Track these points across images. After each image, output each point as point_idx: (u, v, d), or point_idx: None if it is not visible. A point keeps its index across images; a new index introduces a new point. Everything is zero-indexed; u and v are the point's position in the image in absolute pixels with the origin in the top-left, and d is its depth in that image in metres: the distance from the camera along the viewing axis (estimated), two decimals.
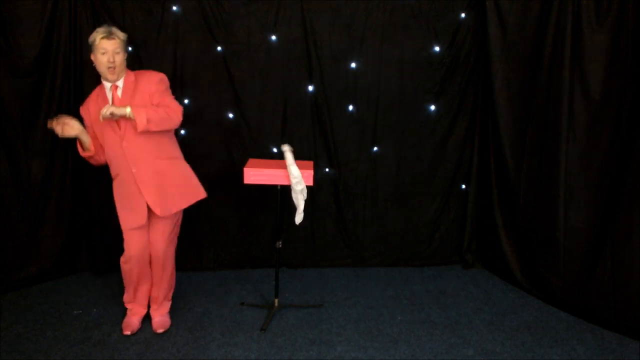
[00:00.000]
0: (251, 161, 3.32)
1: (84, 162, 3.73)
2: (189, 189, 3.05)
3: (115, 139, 2.86)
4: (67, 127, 2.84)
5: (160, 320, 3.10)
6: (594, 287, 3.17)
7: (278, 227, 3.38)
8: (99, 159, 3.01)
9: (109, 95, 2.89)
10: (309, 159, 3.84)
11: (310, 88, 3.83)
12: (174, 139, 3.06)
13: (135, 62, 3.68)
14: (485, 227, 4.01)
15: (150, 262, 3.05)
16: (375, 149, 3.96)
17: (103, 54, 2.78)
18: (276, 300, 3.34)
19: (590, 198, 3.20)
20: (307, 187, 3.11)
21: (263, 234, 3.97)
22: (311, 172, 3.09)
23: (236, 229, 3.98)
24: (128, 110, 2.74)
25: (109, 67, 2.79)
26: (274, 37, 3.73)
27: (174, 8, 3.61)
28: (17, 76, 3.43)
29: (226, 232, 3.98)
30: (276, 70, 3.78)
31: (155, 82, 2.91)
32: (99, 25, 3.58)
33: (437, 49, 3.83)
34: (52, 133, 3.57)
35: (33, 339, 2.94)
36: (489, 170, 3.89)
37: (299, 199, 3.10)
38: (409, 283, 3.81)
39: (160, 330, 3.03)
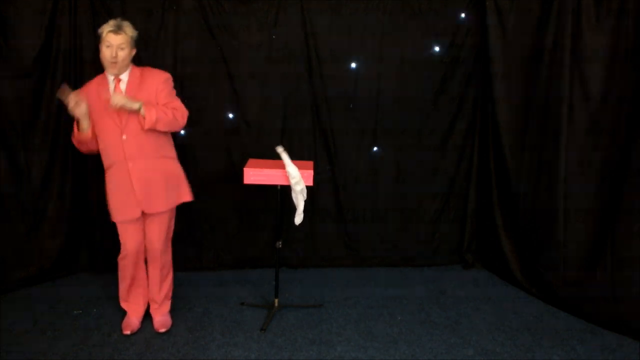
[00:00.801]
0: (251, 161, 3.32)
1: (84, 162, 3.76)
2: (176, 191, 3.01)
3: (115, 131, 2.83)
4: (77, 106, 2.77)
5: (162, 319, 3.10)
6: (594, 287, 3.16)
7: (278, 227, 3.38)
8: (91, 147, 2.96)
9: (111, 87, 2.86)
10: (309, 159, 3.84)
11: (310, 88, 3.83)
12: (171, 139, 3.05)
13: (135, 62, 3.68)
14: (485, 227, 4.01)
15: (146, 262, 3.06)
16: (375, 149, 3.96)
17: (107, 47, 2.77)
18: (276, 300, 3.34)
19: (590, 198, 3.19)
20: (307, 187, 3.11)
21: (263, 234, 3.97)
22: (311, 172, 3.09)
23: (236, 229, 3.98)
24: (138, 105, 2.74)
25: (111, 62, 2.77)
26: (274, 37, 3.73)
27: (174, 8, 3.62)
28: (17, 76, 3.43)
29: (226, 232, 3.98)
30: (276, 70, 3.78)
31: (162, 81, 2.90)
32: (99, 25, 3.59)
33: (437, 49, 3.83)
34: (52, 132, 3.61)
35: (33, 339, 2.94)
36: (489, 170, 3.89)
37: (299, 199, 3.10)
38: (409, 283, 3.81)
39: (162, 330, 3.03)
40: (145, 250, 3.04)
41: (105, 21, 3.56)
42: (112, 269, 3.85)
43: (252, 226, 3.98)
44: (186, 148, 3.83)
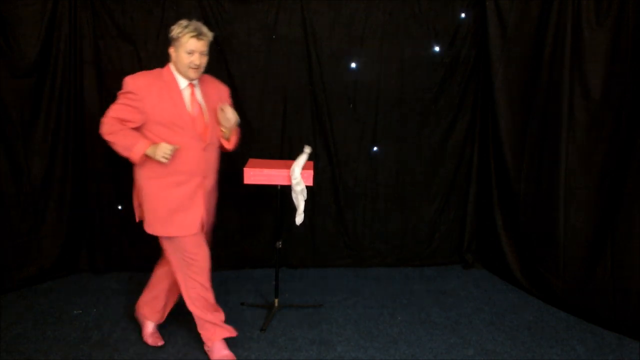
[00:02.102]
0: (251, 161, 3.32)
1: (84, 162, 3.76)
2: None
3: (193, 144, 2.55)
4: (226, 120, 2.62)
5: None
6: (594, 287, 3.16)
7: (278, 227, 3.38)
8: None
9: (186, 94, 2.58)
10: (309, 159, 3.83)
11: (311, 88, 3.83)
12: None
13: (135, 62, 3.69)
14: (485, 227, 4.01)
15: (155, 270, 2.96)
16: (375, 149, 3.96)
17: (189, 53, 2.52)
18: (276, 300, 3.34)
19: (590, 198, 3.20)
20: (307, 187, 3.11)
21: (263, 234, 3.97)
22: (311, 172, 3.09)
23: (236, 229, 3.98)
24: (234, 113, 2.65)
25: (193, 69, 2.54)
26: (274, 37, 3.73)
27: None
28: (17, 76, 3.43)
29: (226, 232, 3.97)
30: (276, 70, 3.78)
31: (227, 96, 2.79)
32: (99, 25, 3.62)
33: (437, 49, 3.83)
34: (52, 132, 3.61)
35: (33, 339, 2.94)
36: (489, 170, 3.89)
37: (299, 199, 3.10)
38: (409, 283, 3.81)
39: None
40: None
41: (105, 21, 3.60)
42: (112, 269, 3.88)
43: (252, 226, 3.97)
44: None
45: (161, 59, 3.66)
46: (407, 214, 4.08)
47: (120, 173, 3.82)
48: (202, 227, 2.68)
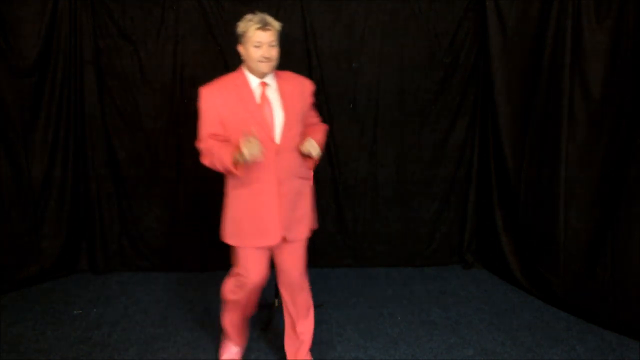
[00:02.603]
0: None
1: (84, 162, 3.76)
2: (312, 216, 2.63)
3: (265, 147, 2.31)
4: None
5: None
6: (594, 287, 3.16)
7: None
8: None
9: (257, 93, 2.39)
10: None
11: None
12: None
13: (135, 62, 3.69)
14: (485, 227, 4.01)
15: (284, 297, 2.63)
16: (375, 148, 3.96)
17: (257, 47, 2.34)
18: (276, 300, 3.34)
19: (590, 198, 3.19)
20: None
21: None
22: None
23: None
24: (317, 146, 2.38)
25: (263, 62, 2.35)
26: None
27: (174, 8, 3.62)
28: (17, 76, 3.43)
29: None
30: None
31: (311, 93, 2.53)
32: (99, 25, 3.63)
33: (437, 49, 3.83)
34: (52, 132, 3.61)
35: (33, 339, 2.94)
36: (489, 170, 3.89)
37: None
38: (409, 283, 3.81)
39: None
40: (281, 283, 2.61)
41: (105, 21, 3.60)
42: (112, 269, 3.88)
43: None
44: (186, 148, 3.84)
45: (161, 59, 3.70)
46: (407, 214, 4.08)
47: (120, 173, 3.83)
48: (277, 238, 2.44)
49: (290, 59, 3.75)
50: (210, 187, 3.88)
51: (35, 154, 3.55)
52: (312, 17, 3.72)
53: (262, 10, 3.64)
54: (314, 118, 2.63)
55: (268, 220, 2.42)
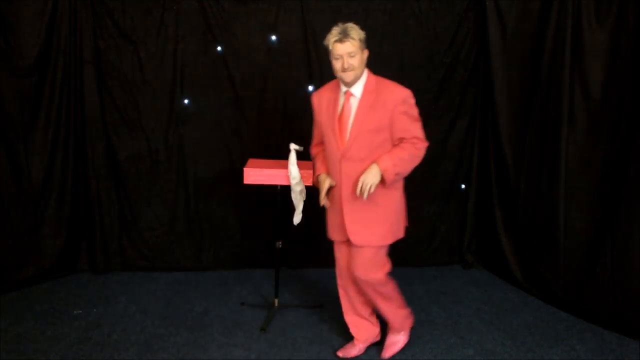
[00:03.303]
0: (251, 161, 3.32)
1: (84, 162, 3.77)
2: (394, 226, 2.69)
3: (336, 153, 2.57)
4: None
5: (387, 341, 2.89)
6: (594, 287, 3.16)
7: (278, 227, 3.37)
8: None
9: (340, 101, 2.56)
10: (308, 159, 3.84)
11: (310, 88, 3.83)
12: None
13: (135, 62, 3.69)
14: (485, 227, 4.01)
15: (348, 289, 2.84)
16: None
17: (337, 59, 2.46)
18: (276, 301, 3.34)
19: (590, 198, 3.19)
20: (307, 187, 3.11)
21: (263, 234, 3.97)
22: (311, 172, 3.09)
23: (236, 229, 3.98)
24: (379, 174, 2.46)
25: (344, 73, 2.47)
26: (274, 37, 3.73)
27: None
28: (17, 76, 3.43)
29: (226, 232, 3.97)
30: (276, 70, 3.78)
31: (399, 101, 2.50)
32: (99, 25, 3.63)
33: (437, 49, 3.83)
34: (52, 132, 3.61)
35: (33, 339, 2.94)
36: (489, 170, 3.89)
37: (298, 199, 3.10)
38: (409, 283, 3.81)
39: (385, 355, 2.84)
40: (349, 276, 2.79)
41: (105, 21, 3.60)
42: (112, 268, 3.88)
43: (252, 226, 3.97)
44: (186, 148, 3.84)
45: (161, 59, 3.70)
46: (407, 214, 4.07)
47: (120, 173, 3.83)
48: (343, 237, 2.66)
49: (290, 59, 3.78)
50: (209, 188, 3.90)
51: (35, 154, 3.55)
52: (312, 17, 3.72)
53: (262, 10, 3.69)
54: (405, 132, 2.53)
55: (336, 219, 2.67)
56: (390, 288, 2.75)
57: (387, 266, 2.72)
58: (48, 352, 2.81)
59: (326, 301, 3.50)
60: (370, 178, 2.46)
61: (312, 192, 3.66)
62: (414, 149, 2.54)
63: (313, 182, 2.82)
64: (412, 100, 2.54)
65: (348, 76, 2.48)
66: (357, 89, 2.54)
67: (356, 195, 2.52)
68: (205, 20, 3.67)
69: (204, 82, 3.76)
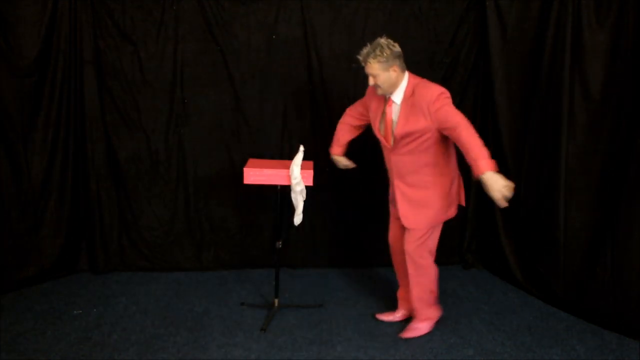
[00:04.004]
0: (251, 161, 3.32)
1: (84, 162, 3.77)
2: (442, 209, 2.93)
3: (385, 147, 2.93)
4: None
5: (410, 325, 3.09)
6: (594, 287, 3.16)
7: (278, 227, 3.38)
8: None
9: (384, 106, 2.88)
10: (309, 159, 3.83)
11: (311, 88, 3.83)
12: (449, 151, 2.87)
13: (135, 62, 3.69)
14: (485, 227, 4.01)
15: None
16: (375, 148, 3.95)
17: (369, 77, 2.79)
18: (276, 300, 3.34)
19: (590, 198, 3.19)
20: (307, 187, 3.11)
21: (263, 234, 3.97)
22: (311, 172, 3.09)
23: (236, 229, 3.98)
24: (495, 176, 2.49)
25: (375, 89, 2.82)
26: (274, 37, 3.73)
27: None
28: (17, 76, 3.42)
29: (226, 232, 3.97)
30: (276, 70, 3.77)
31: (430, 101, 2.68)
32: (99, 25, 3.63)
33: (437, 49, 3.83)
34: (52, 132, 3.61)
35: (33, 339, 2.94)
36: None
37: (298, 199, 3.10)
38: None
39: (403, 335, 3.03)
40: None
41: (105, 21, 3.60)
42: (112, 268, 3.88)
43: (252, 226, 3.97)
44: (186, 148, 3.84)
45: (161, 59, 3.70)
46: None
47: (120, 173, 3.83)
48: (397, 213, 3.02)
49: (290, 59, 3.78)
50: (210, 187, 3.90)
51: (35, 154, 3.55)
52: (312, 17, 3.72)
53: (262, 10, 3.69)
54: (447, 122, 2.66)
55: (391, 195, 3.07)
56: (430, 271, 3.05)
57: (434, 247, 3.07)
58: (48, 352, 2.81)
59: (326, 301, 3.50)
60: (498, 190, 2.47)
61: (312, 193, 3.66)
62: (467, 131, 2.62)
63: (331, 156, 3.23)
64: (444, 96, 2.70)
65: (379, 91, 2.81)
66: (397, 96, 2.80)
67: (406, 183, 2.90)
68: (205, 20, 3.67)
69: (204, 82, 3.76)
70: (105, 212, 3.83)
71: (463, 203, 3.09)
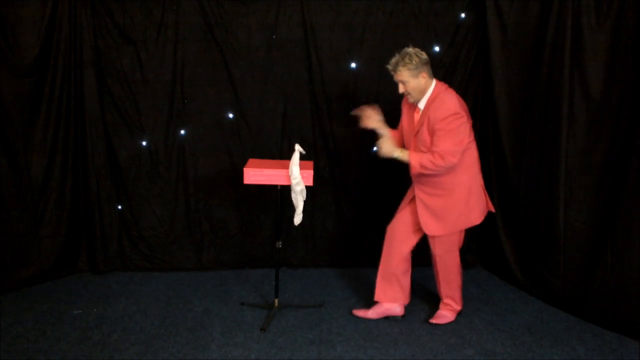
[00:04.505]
0: (251, 161, 3.32)
1: (84, 162, 3.77)
2: (462, 215, 3.05)
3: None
4: (366, 118, 3.09)
5: (438, 312, 3.27)
6: (594, 287, 3.16)
7: (278, 227, 3.38)
8: None
9: (413, 112, 3.06)
10: (309, 159, 3.84)
11: (311, 88, 3.83)
12: (465, 160, 2.98)
13: (135, 62, 3.69)
14: (485, 227, 3.99)
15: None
16: (375, 149, 3.95)
17: (399, 84, 2.96)
18: (276, 300, 3.34)
19: (590, 198, 3.19)
20: (307, 187, 3.11)
21: (263, 234, 3.97)
22: (311, 172, 3.09)
23: (236, 229, 3.98)
24: (397, 154, 2.95)
25: (405, 96, 3.01)
26: (274, 37, 3.73)
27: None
28: (17, 76, 3.43)
29: (226, 232, 3.98)
30: (276, 70, 3.78)
31: (438, 119, 2.85)
32: (99, 25, 3.63)
33: (437, 49, 3.83)
34: (52, 132, 3.62)
35: (33, 339, 2.94)
36: (489, 170, 3.89)
37: (298, 199, 3.10)
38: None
39: (432, 321, 3.21)
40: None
41: (105, 21, 3.60)
42: (112, 268, 3.88)
43: (252, 226, 3.98)
44: (187, 148, 3.84)
45: (161, 59, 3.70)
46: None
47: (120, 173, 3.83)
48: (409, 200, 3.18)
49: (290, 59, 3.78)
50: (209, 188, 3.90)
51: (35, 153, 3.55)
52: (312, 17, 3.72)
53: (262, 10, 3.69)
54: (435, 145, 2.87)
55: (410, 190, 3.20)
56: (458, 270, 3.22)
57: (458, 248, 3.18)
58: (48, 352, 2.81)
59: (326, 301, 3.50)
60: (387, 148, 2.95)
61: (312, 193, 3.67)
62: (434, 160, 2.85)
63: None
64: (452, 118, 2.83)
65: (409, 100, 3.00)
66: (422, 104, 2.98)
67: (424, 191, 3.04)
68: (205, 20, 3.67)
69: (204, 82, 3.76)
70: (105, 212, 3.83)
71: (492, 209, 3.21)
